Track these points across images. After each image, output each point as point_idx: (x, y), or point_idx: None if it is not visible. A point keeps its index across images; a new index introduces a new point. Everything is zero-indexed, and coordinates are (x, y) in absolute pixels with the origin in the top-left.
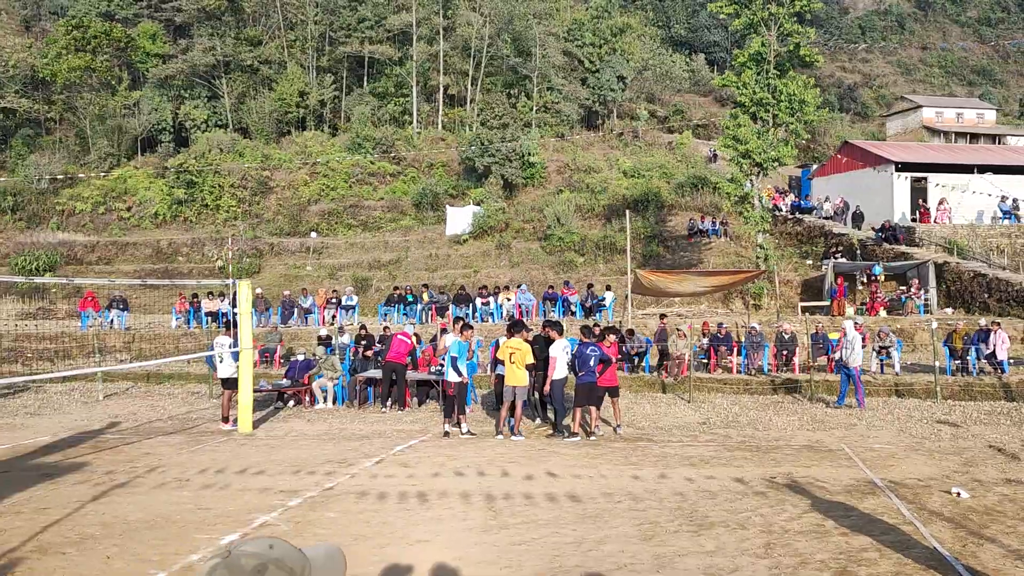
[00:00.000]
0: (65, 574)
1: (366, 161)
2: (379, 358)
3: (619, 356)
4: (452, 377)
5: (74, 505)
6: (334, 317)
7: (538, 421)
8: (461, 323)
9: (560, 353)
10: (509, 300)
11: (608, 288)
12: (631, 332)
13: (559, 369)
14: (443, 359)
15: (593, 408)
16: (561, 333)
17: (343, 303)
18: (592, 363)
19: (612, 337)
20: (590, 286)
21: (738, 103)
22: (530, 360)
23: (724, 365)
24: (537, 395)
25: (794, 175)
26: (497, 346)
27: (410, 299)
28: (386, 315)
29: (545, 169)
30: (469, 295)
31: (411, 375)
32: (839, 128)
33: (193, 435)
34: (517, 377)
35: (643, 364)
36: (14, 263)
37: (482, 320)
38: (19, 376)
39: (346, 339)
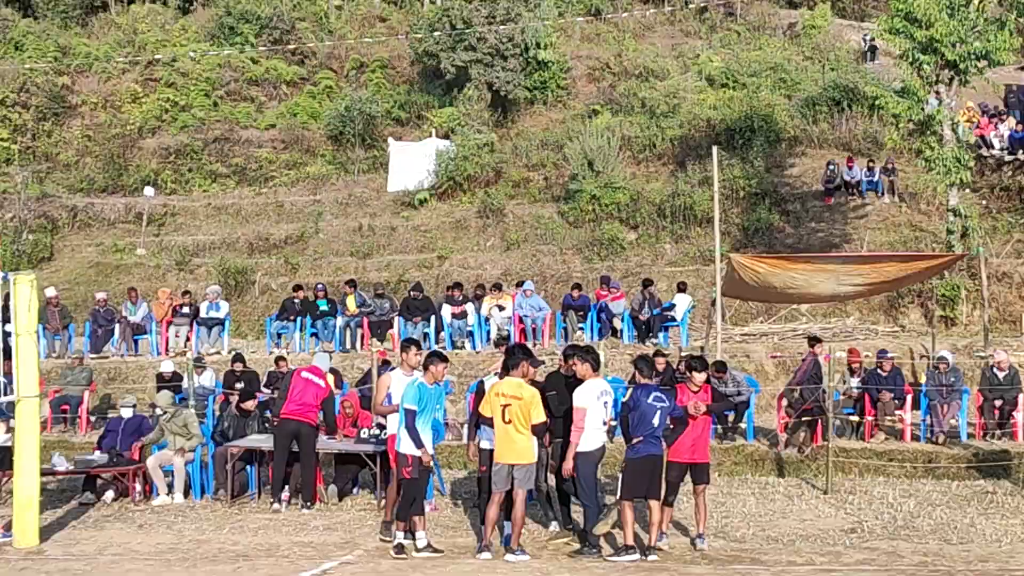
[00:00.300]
0: None
1: (244, 59)
2: (268, 415)
3: (709, 409)
4: (405, 448)
5: None
6: (187, 341)
7: (554, 526)
8: (414, 349)
9: (593, 403)
10: (502, 309)
11: (682, 288)
12: (721, 367)
13: (590, 433)
14: (383, 416)
15: (654, 504)
16: (596, 368)
17: (202, 315)
18: (658, 421)
19: (699, 377)
20: (648, 283)
21: None
22: (539, 417)
23: (888, 425)
24: (552, 480)
25: (1017, 85)
26: (481, 392)
27: (323, 307)
28: (280, 336)
29: (567, 74)
30: (430, 300)
31: (325, 444)
32: None
33: None
34: (515, 448)
35: (743, 423)
36: None
37: (453, 345)
38: None
39: (208, 380)
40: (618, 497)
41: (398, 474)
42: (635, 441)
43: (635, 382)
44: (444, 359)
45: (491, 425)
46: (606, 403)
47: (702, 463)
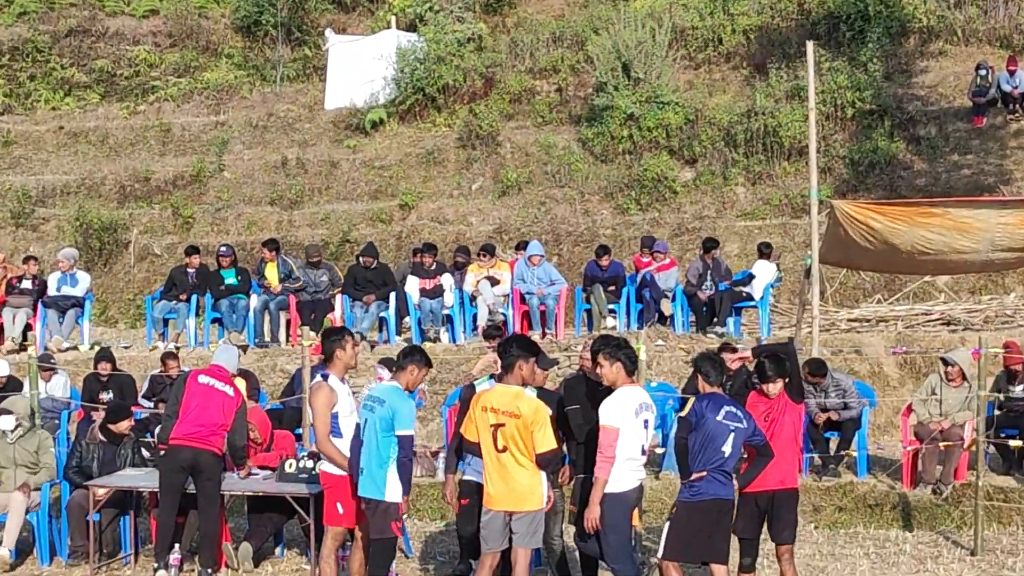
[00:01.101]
0: None
1: None
2: (150, 439)
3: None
4: (393, 493)
5: None
6: (27, 330)
7: None
8: (350, 342)
9: (628, 422)
10: (495, 283)
11: (762, 252)
12: (818, 369)
13: (625, 466)
14: (315, 442)
15: (719, 571)
16: (632, 370)
17: (51, 291)
18: (730, 449)
19: (772, 389)
20: (711, 245)
21: None
22: (547, 443)
23: None
24: (575, 533)
25: None
26: (462, 404)
27: (230, 280)
28: (167, 323)
29: None
30: (389, 270)
31: (234, 483)
32: None
33: None
34: (513, 488)
35: (852, 450)
36: None
37: (422, 336)
38: None
39: (59, 388)
40: (660, 556)
41: (379, 530)
42: (695, 477)
43: (695, 391)
44: (427, 361)
45: (476, 453)
46: (647, 422)
47: (784, 491)
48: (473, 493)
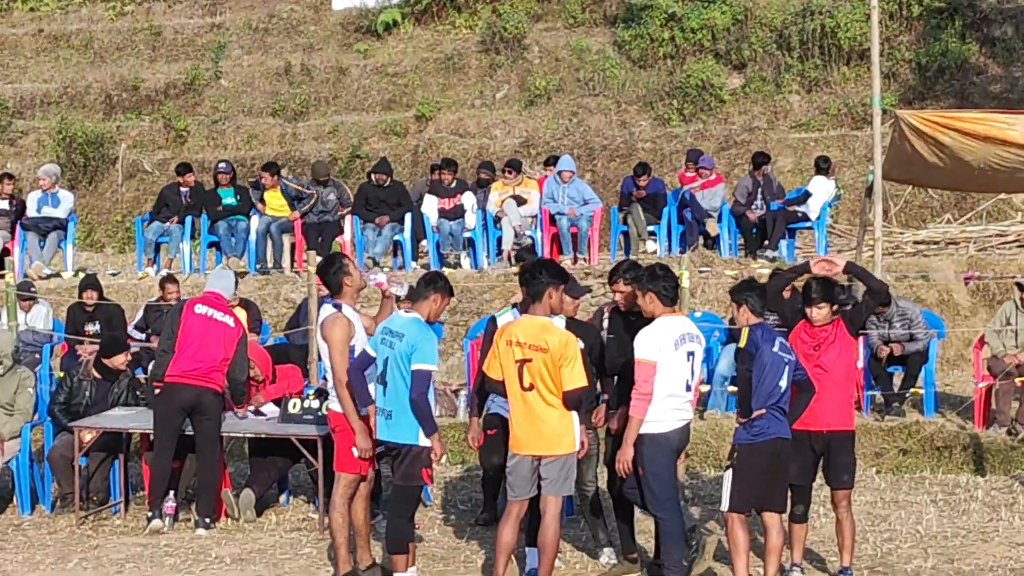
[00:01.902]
0: None
1: None
2: (142, 377)
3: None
4: (394, 435)
5: None
6: (5, 254)
7: (607, 555)
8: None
9: (667, 354)
10: (522, 203)
11: (820, 168)
12: (880, 295)
13: (665, 404)
14: (327, 377)
15: (771, 520)
16: (672, 300)
17: (31, 213)
18: (785, 383)
19: (818, 313)
20: (762, 160)
21: None
22: (577, 379)
23: None
24: (605, 480)
25: None
26: (487, 338)
27: (229, 200)
28: (159, 248)
29: None
30: (404, 188)
31: (235, 424)
32: None
33: None
34: (541, 430)
35: (918, 387)
36: None
37: (441, 261)
38: None
39: (40, 319)
40: (724, 508)
41: (406, 476)
42: (755, 415)
43: (755, 323)
44: (450, 289)
45: (501, 393)
46: (691, 354)
47: (840, 433)
48: (500, 425)
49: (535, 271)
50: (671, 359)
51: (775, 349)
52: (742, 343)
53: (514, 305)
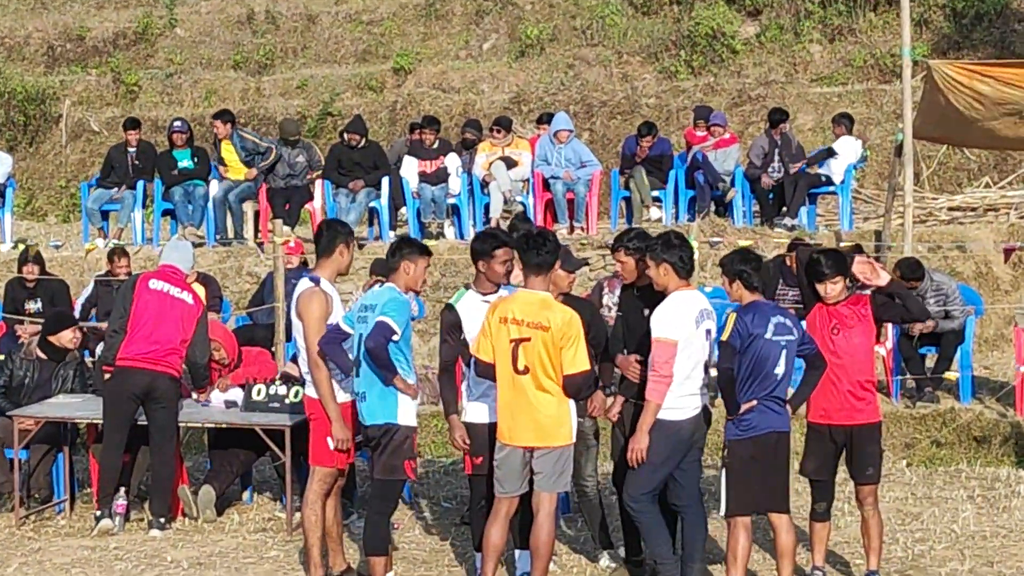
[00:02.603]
0: None
1: None
2: (89, 360)
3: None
4: (406, 416)
5: None
6: None
7: (606, 560)
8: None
9: (688, 332)
10: (512, 165)
11: (843, 125)
12: (913, 269)
13: (683, 389)
14: (298, 356)
15: (780, 522)
16: (689, 271)
17: None
18: (783, 369)
19: (832, 289)
20: (780, 117)
21: None
22: (580, 363)
23: None
24: (613, 477)
25: None
26: (445, 329)
27: (185, 163)
28: (107, 216)
29: None
30: (381, 149)
31: (194, 412)
32: None
33: None
34: (536, 418)
35: (954, 370)
36: None
37: (422, 230)
38: None
39: None
40: (723, 513)
41: (388, 469)
42: (744, 409)
43: (758, 300)
44: (421, 249)
45: (491, 377)
46: (709, 332)
47: (864, 426)
48: (484, 442)
49: (531, 241)
50: (692, 339)
51: (768, 335)
52: (725, 335)
53: (467, 286)
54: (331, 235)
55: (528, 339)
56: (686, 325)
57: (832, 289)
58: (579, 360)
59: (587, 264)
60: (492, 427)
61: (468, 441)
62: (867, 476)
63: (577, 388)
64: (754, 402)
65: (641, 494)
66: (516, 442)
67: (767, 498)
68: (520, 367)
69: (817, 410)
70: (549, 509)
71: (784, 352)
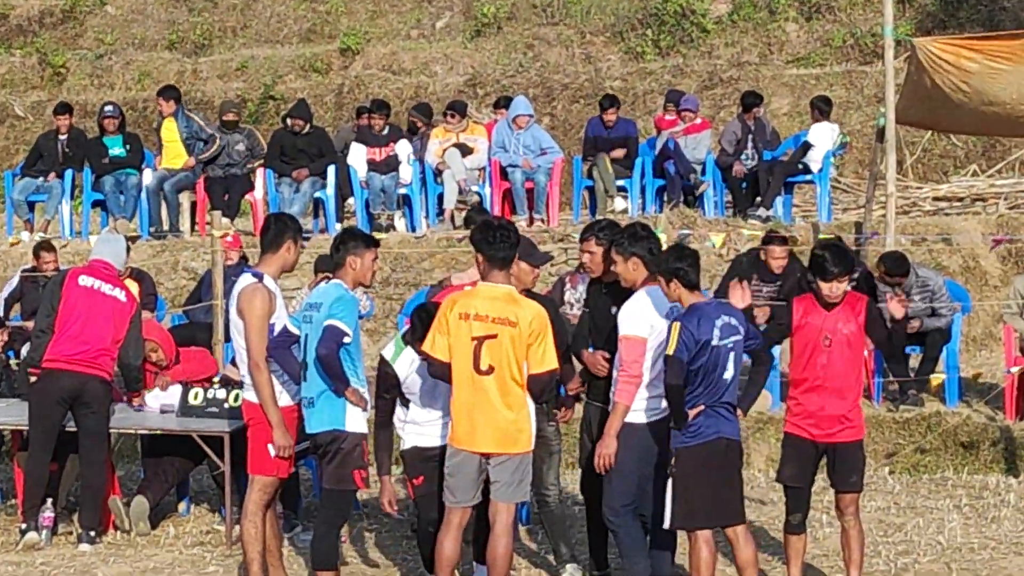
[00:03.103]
0: None
1: None
2: (13, 360)
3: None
4: (355, 423)
5: None
6: None
7: (570, 574)
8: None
9: (659, 329)
10: (467, 152)
11: (821, 110)
12: (897, 265)
13: (648, 391)
14: (237, 358)
15: (737, 535)
16: (658, 265)
17: None
18: (731, 372)
19: (838, 285)
20: (753, 101)
21: None
22: (547, 362)
23: None
24: (582, 485)
25: None
26: (425, 315)
27: (117, 151)
28: (33, 207)
29: None
30: (327, 136)
31: (124, 418)
32: None
33: None
34: (495, 422)
35: (939, 372)
36: None
37: (371, 222)
38: None
39: None
40: (666, 525)
41: (336, 479)
42: (691, 416)
43: (707, 299)
44: (368, 240)
45: (446, 378)
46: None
47: (849, 443)
48: (427, 462)
49: (504, 233)
50: (662, 336)
51: (716, 340)
52: (671, 348)
53: (405, 339)
54: (279, 229)
55: (494, 336)
56: (656, 321)
57: (837, 289)
58: (548, 358)
59: (551, 259)
60: (430, 450)
61: (395, 505)
62: (850, 484)
63: (542, 388)
64: (702, 407)
65: (621, 506)
66: (473, 447)
67: (719, 511)
68: (483, 367)
69: (796, 424)
70: (507, 520)
71: (732, 354)
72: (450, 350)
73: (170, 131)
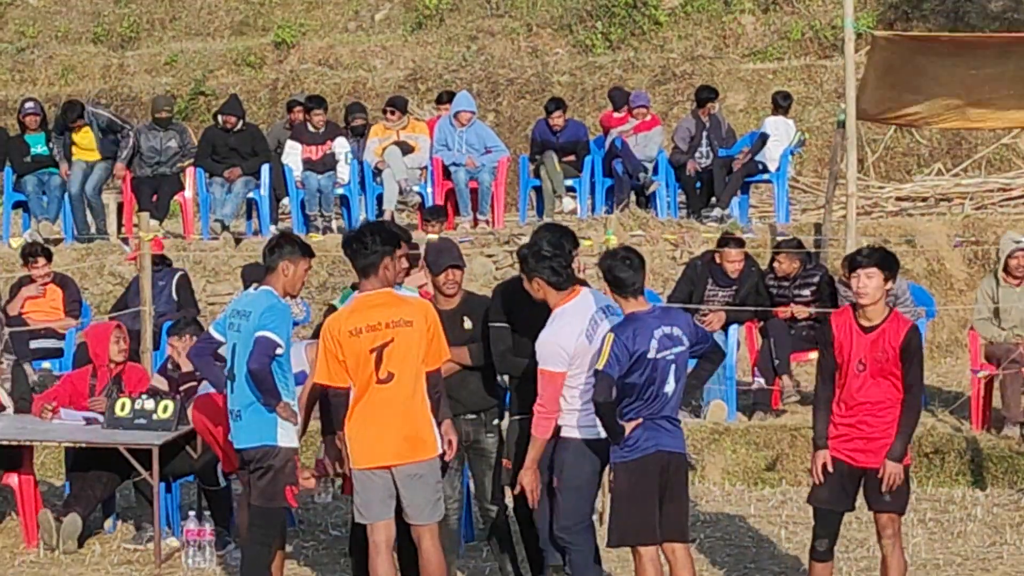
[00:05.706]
0: None
1: None
2: None
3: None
4: (286, 438)
5: None
6: None
7: None
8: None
9: (582, 352)
10: (408, 151)
11: (779, 106)
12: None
13: (587, 409)
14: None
15: (676, 554)
16: (568, 279)
17: None
18: (673, 385)
19: (867, 278)
20: (707, 96)
21: None
22: (445, 351)
23: None
24: (515, 503)
25: None
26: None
27: (39, 149)
28: None
29: None
30: (260, 133)
31: (50, 428)
32: None
33: None
34: (398, 430)
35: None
36: None
37: (307, 224)
38: None
39: None
40: (606, 543)
41: (267, 496)
42: (629, 429)
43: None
44: (304, 249)
45: (344, 404)
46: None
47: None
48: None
49: (367, 241)
50: (587, 354)
51: (653, 354)
52: (601, 362)
53: (354, 287)
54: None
55: (391, 340)
56: (574, 347)
57: (865, 284)
58: (444, 350)
59: (460, 268)
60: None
61: (340, 468)
62: (885, 503)
63: (438, 380)
64: (639, 420)
65: (574, 524)
66: (376, 462)
67: (657, 528)
68: (383, 375)
69: (834, 447)
70: (432, 539)
71: (673, 367)
72: (348, 372)
73: (86, 138)
